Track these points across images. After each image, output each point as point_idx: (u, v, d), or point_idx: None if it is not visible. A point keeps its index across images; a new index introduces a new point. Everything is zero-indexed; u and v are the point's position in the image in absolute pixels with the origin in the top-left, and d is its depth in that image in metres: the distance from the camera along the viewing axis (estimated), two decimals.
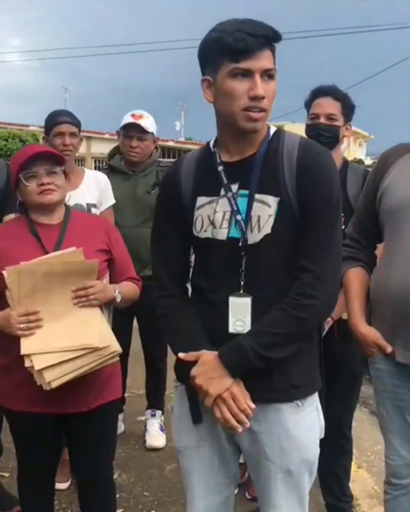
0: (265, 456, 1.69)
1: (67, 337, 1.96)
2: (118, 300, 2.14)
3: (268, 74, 1.56)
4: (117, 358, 2.06)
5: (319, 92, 2.67)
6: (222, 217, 1.65)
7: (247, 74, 1.54)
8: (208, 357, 1.62)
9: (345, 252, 2.20)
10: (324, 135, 2.62)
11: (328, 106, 2.63)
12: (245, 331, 1.61)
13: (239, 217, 1.63)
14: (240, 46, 1.52)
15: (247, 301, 1.62)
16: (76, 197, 3.01)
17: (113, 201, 3.20)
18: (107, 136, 20.39)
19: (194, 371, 1.62)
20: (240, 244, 1.63)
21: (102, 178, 3.21)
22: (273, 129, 1.70)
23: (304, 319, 1.59)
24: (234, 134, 1.65)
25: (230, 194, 1.65)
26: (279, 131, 1.70)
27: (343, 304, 2.24)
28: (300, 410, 1.68)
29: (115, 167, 3.45)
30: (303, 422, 1.69)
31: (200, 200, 1.70)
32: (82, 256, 2.01)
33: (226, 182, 1.66)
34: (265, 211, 1.61)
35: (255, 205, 1.62)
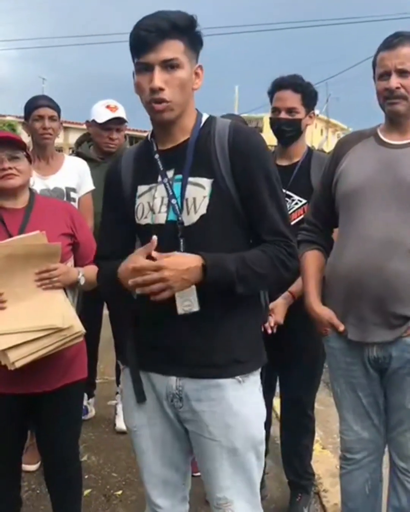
0: (210, 436, 1.69)
1: (30, 318, 2.01)
2: (82, 282, 2.19)
3: (169, 64, 1.58)
4: (81, 339, 2.11)
5: (279, 85, 2.66)
6: (160, 203, 1.69)
7: (148, 68, 1.58)
8: (189, 258, 1.58)
9: (303, 236, 2.28)
10: (285, 130, 2.66)
11: (288, 99, 2.63)
12: (193, 310, 1.61)
13: (173, 201, 1.67)
14: (136, 42, 1.58)
15: None
16: (56, 181, 3.07)
17: (92, 187, 3.21)
18: (85, 126, 20.21)
19: (166, 261, 1.55)
20: (177, 226, 1.66)
21: (81, 164, 3.25)
22: (205, 116, 1.74)
23: (279, 272, 1.66)
24: (155, 125, 1.72)
25: (165, 180, 1.69)
26: (211, 118, 1.74)
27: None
28: (242, 387, 1.69)
29: (84, 154, 3.46)
30: (247, 399, 1.70)
31: (141, 188, 1.74)
32: (45, 239, 2.06)
33: (161, 168, 1.71)
34: (200, 192, 1.65)
35: (189, 187, 1.66)
